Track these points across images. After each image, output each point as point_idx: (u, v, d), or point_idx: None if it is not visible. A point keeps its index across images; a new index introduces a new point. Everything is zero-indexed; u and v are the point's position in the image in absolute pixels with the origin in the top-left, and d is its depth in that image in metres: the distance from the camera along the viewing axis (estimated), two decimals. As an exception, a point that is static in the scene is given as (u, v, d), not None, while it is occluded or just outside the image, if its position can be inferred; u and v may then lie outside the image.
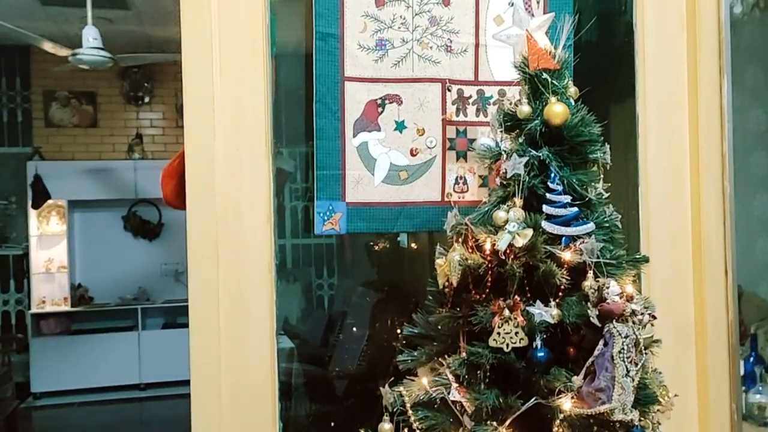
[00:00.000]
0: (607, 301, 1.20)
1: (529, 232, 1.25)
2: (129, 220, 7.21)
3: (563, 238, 1.28)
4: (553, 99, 1.33)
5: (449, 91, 1.68)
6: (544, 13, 1.72)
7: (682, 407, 1.65)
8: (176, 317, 6.95)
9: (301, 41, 1.74)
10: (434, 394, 1.32)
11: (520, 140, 1.35)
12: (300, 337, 3.01)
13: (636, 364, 1.19)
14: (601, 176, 1.39)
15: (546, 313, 1.21)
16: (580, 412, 1.18)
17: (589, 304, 1.22)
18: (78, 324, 6.96)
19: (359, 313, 2.81)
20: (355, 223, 1.64)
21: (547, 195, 1.30)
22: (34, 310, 6.75)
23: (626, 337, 1.17)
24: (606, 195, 1.38)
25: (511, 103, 1.42)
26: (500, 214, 1.29)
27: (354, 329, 2.82)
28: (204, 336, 1.58)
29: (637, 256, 1.36)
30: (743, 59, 2.30)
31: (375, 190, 1.66)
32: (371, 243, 2.27)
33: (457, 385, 1.29)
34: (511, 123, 1.39)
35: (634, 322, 1.19)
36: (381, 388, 1.42)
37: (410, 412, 1.34)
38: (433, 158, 1.69)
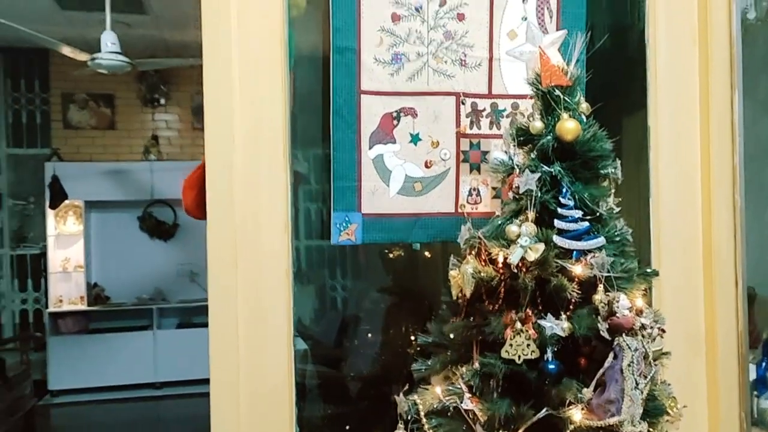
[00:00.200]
0: (617, 314, 1.23)
1: (541, 246, 1.28)
2: (144, 220, 7.31)
3: (574, 252, 1.31)
4: (565, 115, 1.36)
5: (463, 104, 1.71)
6: (557, 27, 1.76)
7: (691, 415, 1.67)
8: (191, 317, 7.04)
9: (318, 48, 1.77)
10: (447, 403, 1.35)
11: (533, 155, 1.38)
12: (313, 338, 3.04)
13: (645, 377, 1.22)
14: (613, 191, 1.42)
15: (557, 326, 1.24)
16: (590, 423, 1.21)
17: (599, 317, 1.25)
18: (95, 323, 7.06)
19: (373, 317, 2.84)
20: (371, 233, 1.68)
21: (559, 210, 1.32)
22: (51, 308, 6.86)
23: (635, 350, 1.20)
24: (617, 209, 1.41)
25: (524, 116, 1.45)
26: (513, 229, 1.32)
27: (368, 333, 2.85)
28: (223, 341, 1.62)
29: (648, 270, 1.39)
30: (758, 68, 2.30)
31: (390, 202, 1.69)
32: (386, 251, 2.31)
33: (469, 394, 1.32)
34: (524, 138, 1.42)
35: (643, 336, 1.22)
36: (395, 396, 1.45)
37: (424, 420, 1.38)
38: (447, 170, 1.72)
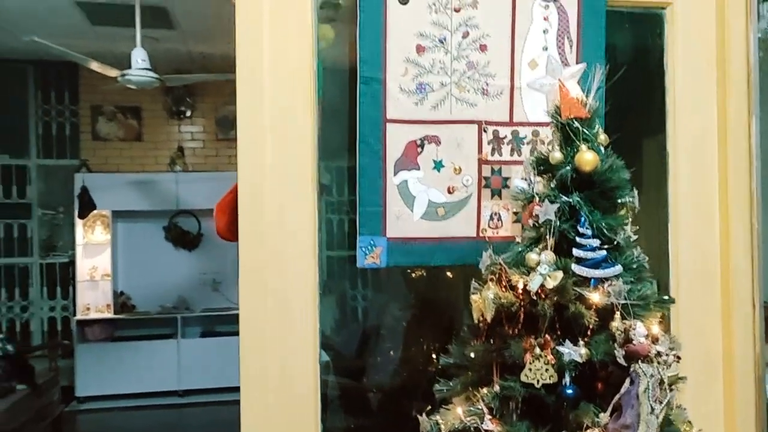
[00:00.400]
0: (634, 342, 1.27)
1: (560, 274, 1.33)
2: (170, 230, 7.44)
3: (592, 280, 1.36)
4: (583, 147, 1.41)
5: (485, 132, 1.77)
6: (577, 56, 1.81)
7: (708, 438, 1.70)
8: (214, 326, 7.13)
9: (344, 79, 1.82)
10: (468, 424, 1.40)
11: (552, 185, 1.43)
12: (334, 349, 3.09)
13: (661, 402, 1.26)
14: (630, 219, 1.46)
15: (575, 352, 1.29)
16: (607, 447, 1.26)
17: (615, 344, 1.30)
18: (120, 331, 7.19)
19: (393, 331, 2.90)
20: (395, 257, 1.74)
21: (577, 239, 1.37)
22: (79, 316, 7.01)
23: (651, 377, 1.24)
24: (634, 237, 1.46)
25: (545, 144, 1.50)
26: (532, 257, 1.37)
27: (388, 347, 2.90)
28: (254, 355, 1.68)
29: (664, 298, 1.43)
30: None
31: (414, 226, 1.75)
32: (408, 270, 2.37)
33: (490, 416, 1.37)
34: (543, 167, 1.47)
35: (659, 363, 1.26)
36: (418, 416, 1.51)
37: (446, 439, 1.43)
38: (469, 196, 1.77)
